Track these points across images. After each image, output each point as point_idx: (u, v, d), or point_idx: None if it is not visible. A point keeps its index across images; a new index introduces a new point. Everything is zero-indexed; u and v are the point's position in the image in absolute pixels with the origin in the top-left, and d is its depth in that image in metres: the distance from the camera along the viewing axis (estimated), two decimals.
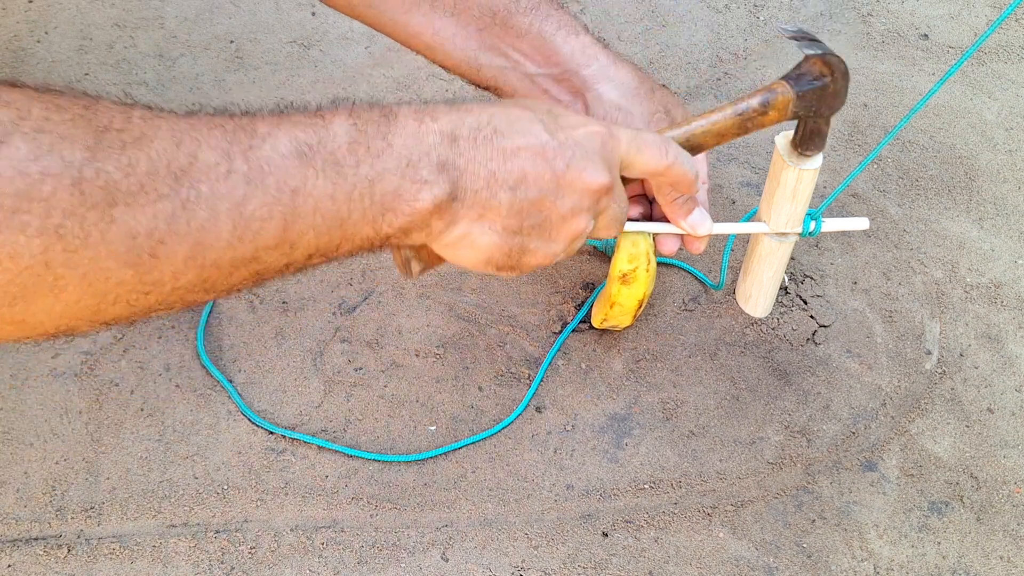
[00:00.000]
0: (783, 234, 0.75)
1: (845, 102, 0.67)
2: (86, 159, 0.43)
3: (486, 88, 0.71)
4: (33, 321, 0.45)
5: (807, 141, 0.68)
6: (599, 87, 0.67)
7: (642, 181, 0.75)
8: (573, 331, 0.82)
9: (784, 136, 0.71)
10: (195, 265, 0.47)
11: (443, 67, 0.71)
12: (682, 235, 0.73)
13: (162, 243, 0.45)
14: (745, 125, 0.66)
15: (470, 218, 0.55)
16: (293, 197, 0.49)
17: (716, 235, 0.74)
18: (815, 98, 0.66)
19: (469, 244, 0.56)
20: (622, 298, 0.75)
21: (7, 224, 0.40)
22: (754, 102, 0.65)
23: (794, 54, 1.05)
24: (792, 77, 0.66)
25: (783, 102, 0.65)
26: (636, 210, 0.75)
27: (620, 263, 0.73)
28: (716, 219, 0.72)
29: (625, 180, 0.62)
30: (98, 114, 0.44)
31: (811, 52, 0.65)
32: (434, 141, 0.52)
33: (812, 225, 0.74)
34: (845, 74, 0.65)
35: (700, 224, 0.71)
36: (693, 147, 0.66)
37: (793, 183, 0.70)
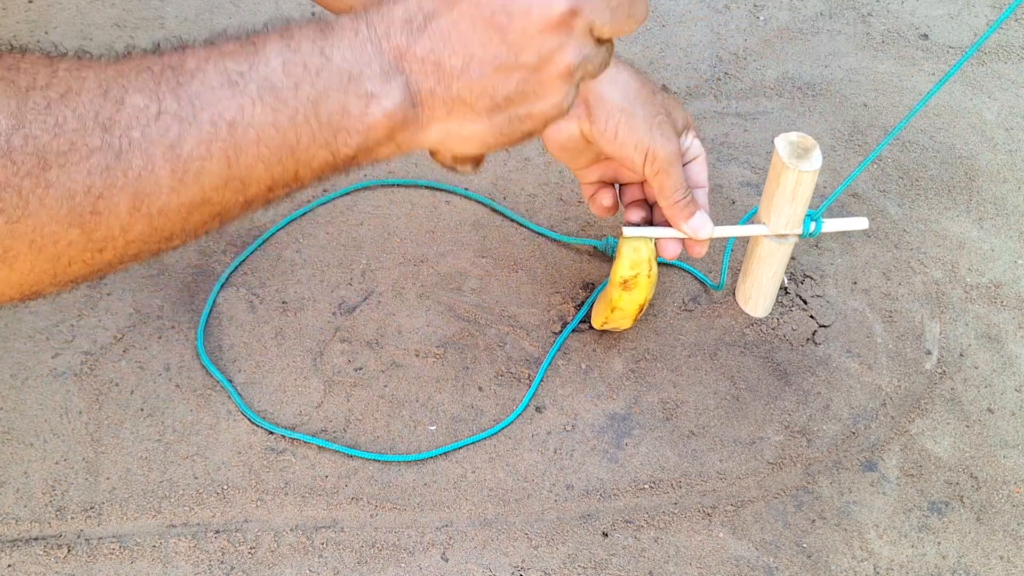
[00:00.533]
0: (783, 236, 0.75)
1: None
2: (13, 127, 0.42)
3: None
4: None
5: None
6: (601, 89, 0.67)
7: (642, 185, 0.76)
8: (573, 331, 0.82)
9: (784, 138, 0.71)
10: (141, 215, 0.46)
11: None
12: (683, 239, 0.73)
13: (101, 198, 0.44)
14: None
15: (439, 118, 0.50)
16: (231, 131, 0.46)
17: (716, 236, 0.74)
18: None
19: (456, 139, 0.51)
20: (623, 303, 0.75)
21: None
22: None
23: (794, 54, 1.05)
24: None
25: None
26: (637, 215, 0.75)
27: (622, 269, 0.73)
28: (715, 219, 0.72)
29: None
30: (21, 73, 0.43)
31: None
32: (371, 49, 0.48)
33: (812, 226, 0.74)
34: None
35: (701, 227, 0.71)
36: None
37: (792, 185, 0.70)
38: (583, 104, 0.68)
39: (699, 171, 0.74)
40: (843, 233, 0.89)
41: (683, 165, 0.72)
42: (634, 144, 0.67)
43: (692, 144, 0.73)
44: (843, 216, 0.91)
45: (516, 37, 0.48)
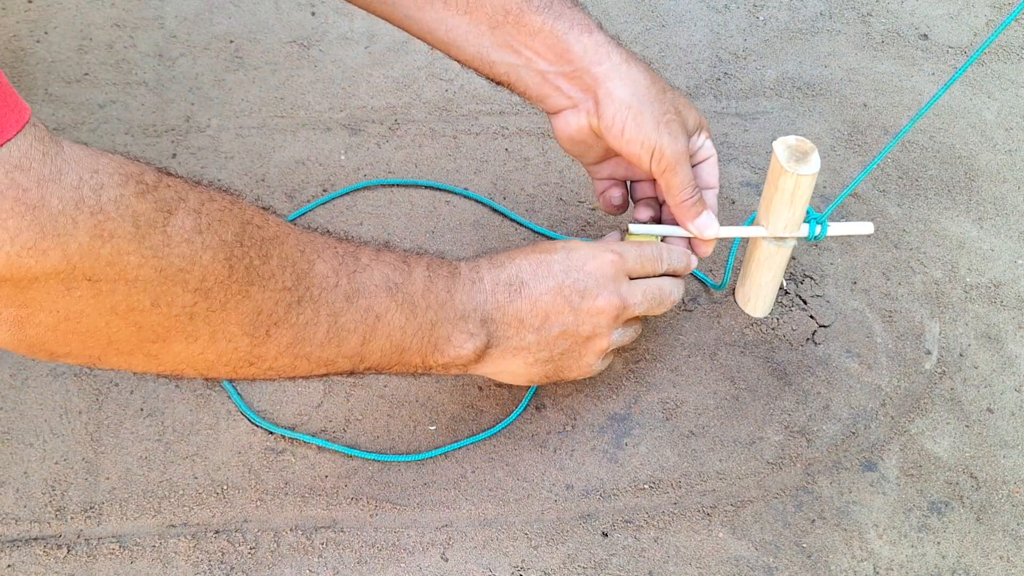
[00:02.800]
0: (781, 239, 0.75)
1: None
2: (236, 240, 0.51)
3: (499, 83, 0.71)
4: (163, 358, 0.52)
5: None
6: (611, 85, 0.67)
7: (654, 183, 0.76)
8: None
9: (782, 142, 0.71)
10: (291, 353, 0.56)
11: (457, 62, 0.72)
12: (689, 238, 0.73)
13: (276, 325, 0.54)
14: None
15: (504, 358, 0.66)
16: (376, 321, 0.59)
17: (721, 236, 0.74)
18: None
19: (508, 374, 0.68)
20: None
21: (173, 279, 0.48)
22: None
23: (794, 53, 1.05)
24: None
25: None
26: (646, 213, 0.75)
27: None
28: (718, 219, 0.72)
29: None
30: (243, 210, 0.53)
31: None
32: (481, 299, 0.64)
33: (818, 230, 0.74)
34: None
35: (707, 227, 0.71)
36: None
37: (791, 189, 0.70)
38: (592, 99, 0.68)
39: (710, 172, 0.74)
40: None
41: (694, 165, 0.72)
42: (641, 141, 0.67)
43: (704, 145, 0.74)
44: (844, 218, 0.91)
45: (582, 313, 0.66)
